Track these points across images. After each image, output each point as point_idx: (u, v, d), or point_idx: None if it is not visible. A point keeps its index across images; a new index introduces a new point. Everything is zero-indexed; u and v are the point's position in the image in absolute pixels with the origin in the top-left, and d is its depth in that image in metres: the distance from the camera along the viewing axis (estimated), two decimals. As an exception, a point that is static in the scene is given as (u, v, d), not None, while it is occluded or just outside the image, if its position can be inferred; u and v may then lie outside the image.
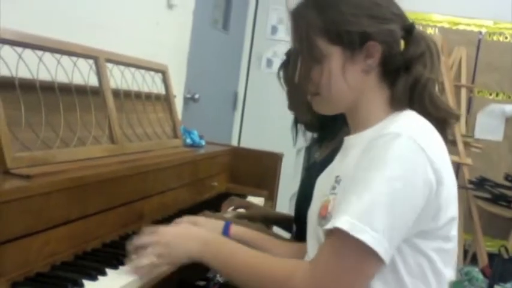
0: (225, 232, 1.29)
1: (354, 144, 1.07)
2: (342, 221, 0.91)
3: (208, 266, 1.09)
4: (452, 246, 1.02)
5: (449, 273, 1.03)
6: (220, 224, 1.31)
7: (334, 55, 1.05)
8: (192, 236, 1.14)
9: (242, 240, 1.28)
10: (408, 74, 1.05)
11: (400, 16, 1.08)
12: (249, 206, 1.86)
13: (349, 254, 0.92)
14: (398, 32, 1.06)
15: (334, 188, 1.05)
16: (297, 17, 1.10)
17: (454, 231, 1.01)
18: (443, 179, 0.96)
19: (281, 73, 1.61)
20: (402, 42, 1.07)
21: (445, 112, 1.08)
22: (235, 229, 1.30)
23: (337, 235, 0.92)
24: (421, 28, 4.44)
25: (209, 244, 1.10)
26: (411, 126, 0.98)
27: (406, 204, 0.92)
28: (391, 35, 1.05)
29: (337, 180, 1.05)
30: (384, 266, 0.93)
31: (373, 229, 0.89)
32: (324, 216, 1.04)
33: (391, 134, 0.95)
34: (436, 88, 1.08)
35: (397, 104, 1.06)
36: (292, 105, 1.60)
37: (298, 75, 1.12)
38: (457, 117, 1.11)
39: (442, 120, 1.08)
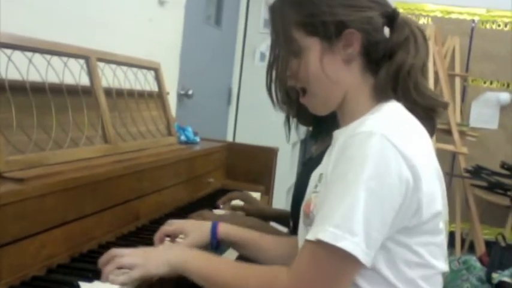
0: (214, 232, 1.26)
1: (338, 138, 1.06)
2: (323, 232, 0.91)
3: (182, 272, 1.05)
4: (441, 238, 1.01)
5: (442, 266, 1.02)
6: (207, 225, 1.28)
7: (312, 47, 1.05)
8: (168, 248, 1.12)
9: (231, 239, 1.27)
10: (391, 62, 1.04)
11: (379, 3, 1.07)
12: (246, 198, 1.86)
13: (328, 262, 0.92)
14: (377, 19, 1.05)
15: (316, 186, 1.06)
16: (274, 11, 1.10)
17: (440, 224, 1.01)
18: (421, 175, 0.94)
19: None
20: (387, 30, 1.06)
21: (432, 100, 1.07)
22: (224, 228, 1.28)
23: (317, 244, 0.92)
24: (413, 18, 4.46)
25: (188, 251, 1.09)
26: (385, 122, 0.97)
27: (382, 204, 0.91)
28: (369, 23, 1.04)
29: (320, 179, 1.05)
30: (365, 268, 0.92)
31: (352, 234, 0.89)
32: (307, 215, 1.05)
33: (364, 133, 0.94)
34: (431, 77, 1.07)
35: (380, 94, 1.05)
36: (280, 101, 1.57)
37: (279, 69, 1.13)
38: (445, 106, 1.10)
39: (429, 109, 1.06)
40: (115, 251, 1.08)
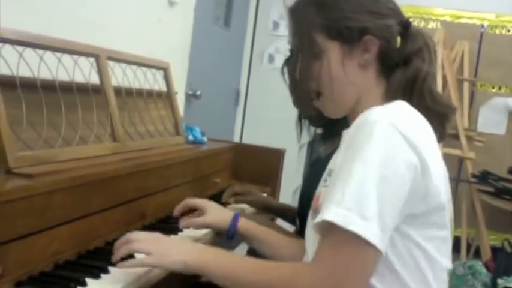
0: (234, 222, 1.30)
1: (345, 137, 1.08)
2: (330, 213, 0.91)
3: (200, 272, 1.05)
4: (446, 234, 1.02)
5: (446, 262, 1.03)
6: (230, 214, 1.32)
7: (333, 50, 1.07)
8: (185, 245, 1.12)
9: (248, 233, 1.30)
10: (407, 68, 1.07)
11: (396, 12, 1.10)
12: (250, 192, 1.87)
13: (344, 248, 0.92)
14: (395, 27, 1.08)
15: (325, 180, 1.07)
16: (296, 14, 1.13)
17: (446, 218, 1.02)
18: (428, 161, 0.95)
19: (285, 69, 1.60)
20: (399, 38, 1.09)
21: (444, 106, 1.09)
22: (244, 222, 1.31)
23: (330, 231, 0.92)
24: (423, 22, 4.45)
25: (205, 250, 1.08)
26: (391, 112, 0.98)
27: (393, 190, 0.92)
28: (388, 30, 1.07)
29: (329, 173, 1.07)
30: (381, 254, 0.93)
31: (363, 218, 0.90)
32: (315, 209, 1.05)
33: (370, 121, 0.95)
34: (439, 81, 1.10)
35: (391, 96, 1.07)
36: (297, 101, 1.60)
37: (299, 71, 1.14)
38: (455, 111, 1.12)
39: (440, 115, 1.09)
40: (131, 235, 1.09)
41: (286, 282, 0.97)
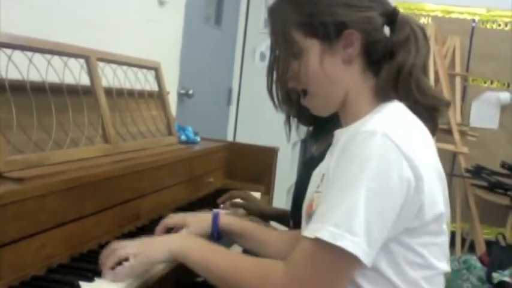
0: (215, 222, 1.27)
1: (340, 138, 1.05)
2: (322, 231, 0.90)
3: (182, 258, 1.06)
4: (443, 239, 1.01)
5: (444, 266, 1.02)
6: (208, 216, 1.29)
7: (312, 48, 1.04)
8: (169, 235, 1.15)
9: (232, 230, 1.28)
10: (392, 61, 1.03)
11: (379, 3, 1.06)
12: (247, 197, 1.86)
13: (326, 261, 0.92)
14: (377, 19, 1.04)
15: (318, 186, 1.05)
16: (274, 12, 1.10)
17: (443, 225, 1.00)
18: (422, 175, 0.93)
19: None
20: (388, 29, 1.06)
21: (434, 99, 1.06)
22: (225, 218, 1.29)
23: (315, 242, 0.91)
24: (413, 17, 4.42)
25: (190, 238, 1.10)
26: (388, 122, 0.96)
27: (383, 204, 0.91)
28: (369, 22, 1.03)
29: (322, 178, 1.05)
30: (367, 268, 0.92)
31: (352, 234, 0.89)
32: (309, 215, 1.04)
33: (366, 132, 0.93)
34: (431, 76, 1.07)
35: (382, 94, 1.04)
36: (283, 101, 1.57)
37: (279, 70, 1.13)
38: (447, 104, 1.09)
39: (431, 108, 1.06)
40: (115, 244, 1.09)
41: (261, 278, 0.97)
